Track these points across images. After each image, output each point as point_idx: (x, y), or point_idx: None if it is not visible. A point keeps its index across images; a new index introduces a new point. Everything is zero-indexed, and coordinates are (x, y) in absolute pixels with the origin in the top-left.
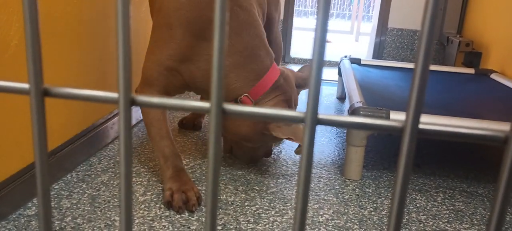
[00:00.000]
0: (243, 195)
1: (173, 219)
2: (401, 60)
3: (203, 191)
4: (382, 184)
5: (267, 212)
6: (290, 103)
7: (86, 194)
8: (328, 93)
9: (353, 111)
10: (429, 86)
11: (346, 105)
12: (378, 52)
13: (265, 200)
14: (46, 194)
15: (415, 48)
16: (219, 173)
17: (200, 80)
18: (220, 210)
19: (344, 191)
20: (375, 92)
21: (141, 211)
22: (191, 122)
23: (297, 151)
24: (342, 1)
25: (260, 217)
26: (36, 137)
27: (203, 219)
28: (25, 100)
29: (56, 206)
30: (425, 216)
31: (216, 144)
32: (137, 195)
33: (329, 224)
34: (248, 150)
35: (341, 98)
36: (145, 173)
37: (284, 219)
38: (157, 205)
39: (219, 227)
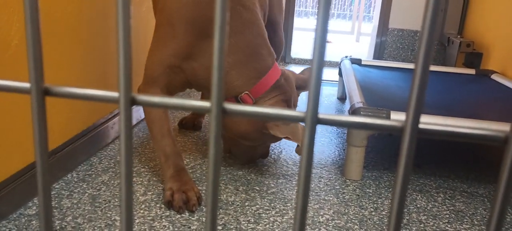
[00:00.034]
0: (244, 195)
1: (173, 219)
2: (401, 60)
3: (203, 191)
4: (383, 184)
5: (267, 212)
6: (290, 104)
7: (87, 194)
8: (329, 93)
9: (353, 112)
10: (430, 87)
11: (347, 105)
12: (378, 53)
13: (266, 200)
14: (47, 193)
15: (415, 49)
16: (220, 173)
17: (202, 77)
18: (221, 210)
19: (345, 191)
20: (376, 92)
21: (142, 211)
22: (191, 122)
23: (298, 150)
24: (343, 1)
25: (260, 217)
26: (37, 136)
27: (204, 219)
28: (26, 100)
29: (56, 205)
30: (425, 217)
31: (216, 144)
32: (138, 194)
33: (330, 224)
34: (246, 149)
35: (342, 98)
36: (146, 173)
37: (284, 219)
38: (158, 205)
39: (219, 227)
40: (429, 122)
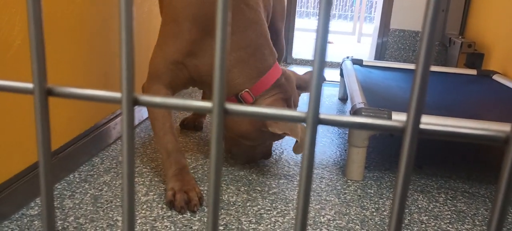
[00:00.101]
0: (245, 196)
1: (175, 219)
2: (403, 61)
3: (205, 191)
4: (384, 185)
5: (269, 212)
6: (289, 102)
7: (89, 194)
8: (330, 94)
9: (355, 112)
10: (432, 88)
11: (348, 106)
12: (380, 53)
13: (267, 200)
14: (49, 194)
15: (417, 49)
16: (221, 174)
17: (205, 75)
18: (222, 210)
19: (346, 191)
20: (377, 93)
21: (143, 211)
22: (192, 123)
23: (295, 148)
24: (344, 2)
25: (262, 217)
26: (40, 137)
27: (205, 219)
28: (28, 100)
29: (58, 206)
30: (427, 217)
31: (218, 144)
32: (140, 195)
33: (331, 224)
34: (246, 148)
35: (343, 99)
36: (148, 173)
37: (286, 220)
38: (159, 205)
39: (221, 227)
40: (430, 122)
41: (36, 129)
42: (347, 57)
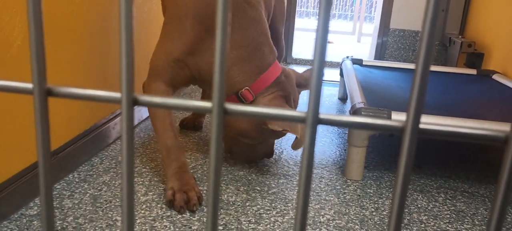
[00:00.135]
0: (245, 195)
1: (174, 219)
2: (403, 61)
3: (204, 191)
4: (384, 185)
5: (268, 212)
6: (289, 100)
7: (88, 194)
8: (330, 94)
9: (354, 112)
10: (431, 87)
11: (348, 106)
12: (380, 53)
13: (267, 200)
14: (49, 193)
15: (417, 49)
16: (221, 173)
17: (205, 73)
18: (222, 210)
19: (346, 191)
20: (377, 93)
21: (143, 211)
22: (191, 122)
23: (294, 145)
24: (344, 2)
25: (261, 217)
26: (39, 137)
27: (205, 219)
28: (27, 100)
29: (58, 206)
30: (426, 217)
31: (217, 144)
32: (139, 195)
33: (330, 224)
34: (247, 147)
35: (343, 99)
36: (147, 173)
37: (285, 219)
38: (159, 205)
39: (220, 227)
40: (430, 122)
41: (36, 129)
42: (347, 57)
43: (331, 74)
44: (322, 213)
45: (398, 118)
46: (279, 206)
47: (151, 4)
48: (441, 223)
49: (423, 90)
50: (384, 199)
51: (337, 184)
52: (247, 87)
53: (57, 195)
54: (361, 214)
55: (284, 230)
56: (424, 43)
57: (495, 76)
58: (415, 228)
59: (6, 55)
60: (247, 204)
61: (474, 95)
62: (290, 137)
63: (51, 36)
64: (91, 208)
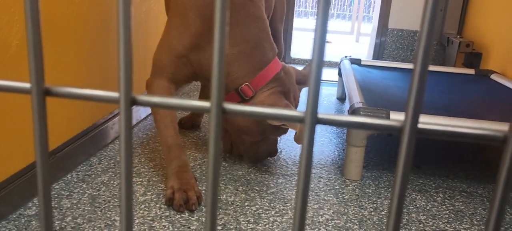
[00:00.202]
0: (243, 195)
1: (173, 219)
2: (401, 60)
3: (203, 191)
4: (382, 184)
5: (267, 212)
6: (288, 96)
7: (87, 194)
8: (328, 93)
9: (353, 112)
10: (430, 87)
11: (346, 105)
12: (378, 53)
13: (265, 200)
14: (47, 194)
15: (415, 49)
16: (219, 173)
17: (207, 69)
18: (220, 210)
19: (344, 191)
20: (375, 92)
21: (141, 211)
22: (189, 122)
23: (296, 138)
24: (343, 1)
25: (260, 217)
26: (37, 137)
27: (203, 219)
28: (25, 100)
29: (56, 206)
30: (425, 216)
31: (216, 143)
32: (137, 195)
33: (329, 224)
34: (249, 145)
35: (341, 99)
36: (146, 173)
37: (284, 219)
38: (157, 205)
39: (219, 227)
40: (428, 121)
41: (34, 128)
42: (346, 57)
43: (329, 74)
44: (321, 213)
45: (397, 117)
46: (278, 206)
47: (150, 4)
48: (440, 222)
49: (421, 90)
50: (382, 198)
51: (336, 184)
52: (247, 83)
53: (56, 195)
54: (360, 214)
55: (283, 230)
56: (422, 43)
57: (493, 76)
58: (413, 228)
59: (5, 55)
60: (246, 204)
61: (473, 95)
62: (288, 138)
63: (51, 36)
64: (89, 208)
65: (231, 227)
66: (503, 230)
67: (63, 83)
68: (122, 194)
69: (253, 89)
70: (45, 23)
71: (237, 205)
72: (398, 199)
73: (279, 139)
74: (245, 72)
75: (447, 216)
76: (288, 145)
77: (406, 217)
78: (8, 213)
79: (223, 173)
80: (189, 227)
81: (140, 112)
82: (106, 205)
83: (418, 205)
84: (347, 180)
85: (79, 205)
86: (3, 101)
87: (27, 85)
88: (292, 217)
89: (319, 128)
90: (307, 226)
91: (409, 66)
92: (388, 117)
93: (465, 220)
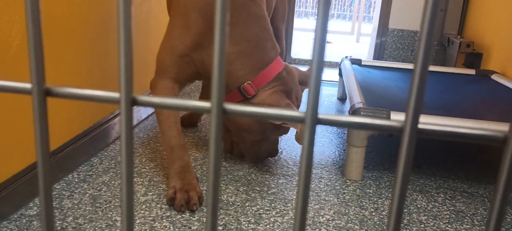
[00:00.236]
0: (244, 196)
1: (174, 219)
2: (401, 61)
3: (204, 191)
4: (383, 185)
5: (268, 212)
6: (290, 95)
7: (88, 194)
8: (329, 94)
9: (353, 112)
10: (430, 87)
11: (347, 106)
12: (378, 53)
13: (266, 200)
14: (48, 194)
15: (415, 49)
16: (220, 174)
17: (210, 68)
18: (221, 210)
19: (345, 191)
20: (376, 93)
21: (142, 211)
22: (187, 120)
23: (298, 138)
24: (343, 2)
25: (261, 217)
26: (38, 137)
27: (204, 219)
28: (26, 100)
29: (57, 206)
30: (425, 217)
31: (216, 144)
32: (139, 195)
33: (330, 224)
34: (250, 145)
35: (342, 99)
36: (147, 173)
37: (285, 220)
38: (158, 205)
39: (220, 228)
40: (429, 122)
41: (35, 129)
42: (346, 57)
43: (330, 74)
44: (322, 213)
45: (397, 117)
46: (278, 206)
47: (150, 4)
48: (441, 223)
49: (422, 90)
50: (383, 199)
51: (337, 184)
52: (249, 82)
53: (57, 195)
54: (361, 214)
55: (284, 230)
56: (423, 43)
57: (493, 76)
58: (414, 228)
59: (5, 55)
60: (247, 204)
61: (473, 95)
62: (289, 138)
63: (51, 36)
64: (90, 208)
65: (232, 227)
66: None
67: (63, 84)
68: (123, 194)
69: (255, 88)
70: (45, 23)
71: (238, 205)
72: (399, 200)
73: (280, 139)
74: (247, 71)
75: (448, 216)
76: (288, 145)
77: (407, 218)
78: (10, 213)
79: (224, 173)
80: (190, 227)
81: (140, 113)
82: (107, 205)
83: (419, 206)
84: (347, 180)
85: (80, 205)
86: (4, 102)
87: (27, 85)
88: (293, 217)
89: (319, 128)
90: (308, 227)
91: (410, 66)
92: (388, 117)
93: (466, 220)
